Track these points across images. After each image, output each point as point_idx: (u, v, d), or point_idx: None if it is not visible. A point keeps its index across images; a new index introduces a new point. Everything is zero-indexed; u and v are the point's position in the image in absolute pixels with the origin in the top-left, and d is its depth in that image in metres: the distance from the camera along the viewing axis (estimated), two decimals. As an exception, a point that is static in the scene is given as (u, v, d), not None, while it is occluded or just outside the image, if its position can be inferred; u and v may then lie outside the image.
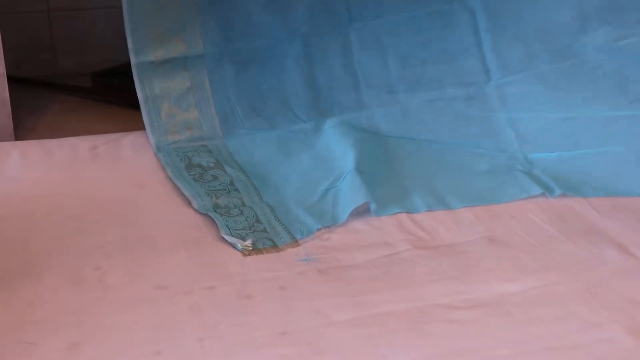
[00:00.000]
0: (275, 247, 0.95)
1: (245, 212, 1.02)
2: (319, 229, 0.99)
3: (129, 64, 1.18)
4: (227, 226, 0.97)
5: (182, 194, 1.07)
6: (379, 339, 0.77)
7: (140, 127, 1.20)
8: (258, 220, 1.00)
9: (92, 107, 1.42)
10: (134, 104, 1.21)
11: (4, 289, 0.84)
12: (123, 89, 1.39)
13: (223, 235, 0.95)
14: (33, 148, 1.18)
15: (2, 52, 1.19)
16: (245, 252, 0.93)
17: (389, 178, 1.11)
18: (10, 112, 1.23)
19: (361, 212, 1.03)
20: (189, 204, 1.05)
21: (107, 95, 1.43)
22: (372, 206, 1.02)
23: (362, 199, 1.02)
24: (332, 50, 1.26)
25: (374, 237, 0.98)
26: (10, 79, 1.23)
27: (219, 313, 0.81)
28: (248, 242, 0.94)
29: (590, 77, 1.16)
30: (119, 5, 1.16)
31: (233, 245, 0.94)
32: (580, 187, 1.09)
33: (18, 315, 0.79)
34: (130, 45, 1.15)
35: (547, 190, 1.08)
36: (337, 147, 1.14)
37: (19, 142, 1.21)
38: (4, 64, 1.20)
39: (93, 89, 1.46)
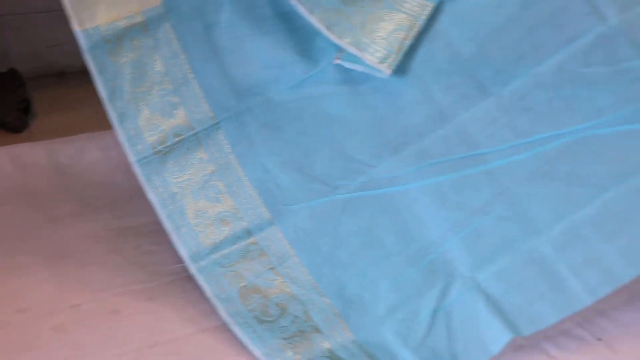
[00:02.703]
0: None
1: None
2: None
3: None
4: None
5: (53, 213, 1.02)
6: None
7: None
8: None
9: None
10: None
11: None
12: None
13: None
14: None
15: None
16: None
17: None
18: None
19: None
20: (53, 219, 1.02)
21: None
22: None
23: (499, 337, 0.79)
24: None
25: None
26: None
27: (85, 331, 0.80)
28: None
29: None
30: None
31: None
32: None
33: None
34: (122, 137, 0.89)
35: None
36: (426, 209, 0.86)
37: None
38: None
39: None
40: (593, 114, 0.80)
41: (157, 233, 0.94)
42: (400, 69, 0.87)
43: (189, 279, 0.88)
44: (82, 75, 0.92)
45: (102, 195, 1.09)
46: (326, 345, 0.80)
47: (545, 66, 0.82)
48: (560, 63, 0.81)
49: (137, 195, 0.93)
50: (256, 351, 0.79)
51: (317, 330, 0.82)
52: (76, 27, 0.88)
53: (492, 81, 0.84)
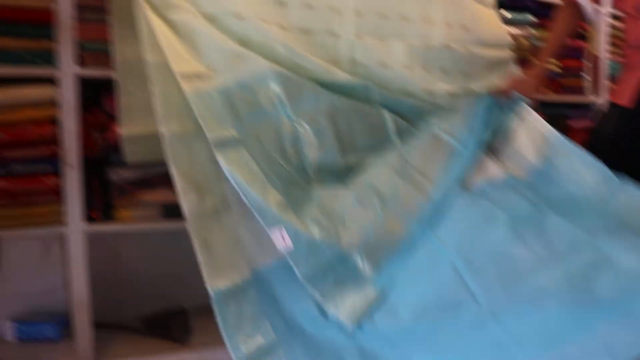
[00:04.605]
0: None
1: None
2: None
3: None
4: None
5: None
6: None
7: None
8: None
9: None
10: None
11: None
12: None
13: None
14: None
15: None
16: None
17: None
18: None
19: None
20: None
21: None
22: None
23: None
24: None
25: None
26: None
27: None
28: None
29: None
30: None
31: None
32: None
33: None
34: (230, 349, 1.44)
35: None
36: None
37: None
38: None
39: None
40: None
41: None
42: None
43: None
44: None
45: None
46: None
47: None
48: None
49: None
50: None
51: None
52: (208, 286, 1.43)
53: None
